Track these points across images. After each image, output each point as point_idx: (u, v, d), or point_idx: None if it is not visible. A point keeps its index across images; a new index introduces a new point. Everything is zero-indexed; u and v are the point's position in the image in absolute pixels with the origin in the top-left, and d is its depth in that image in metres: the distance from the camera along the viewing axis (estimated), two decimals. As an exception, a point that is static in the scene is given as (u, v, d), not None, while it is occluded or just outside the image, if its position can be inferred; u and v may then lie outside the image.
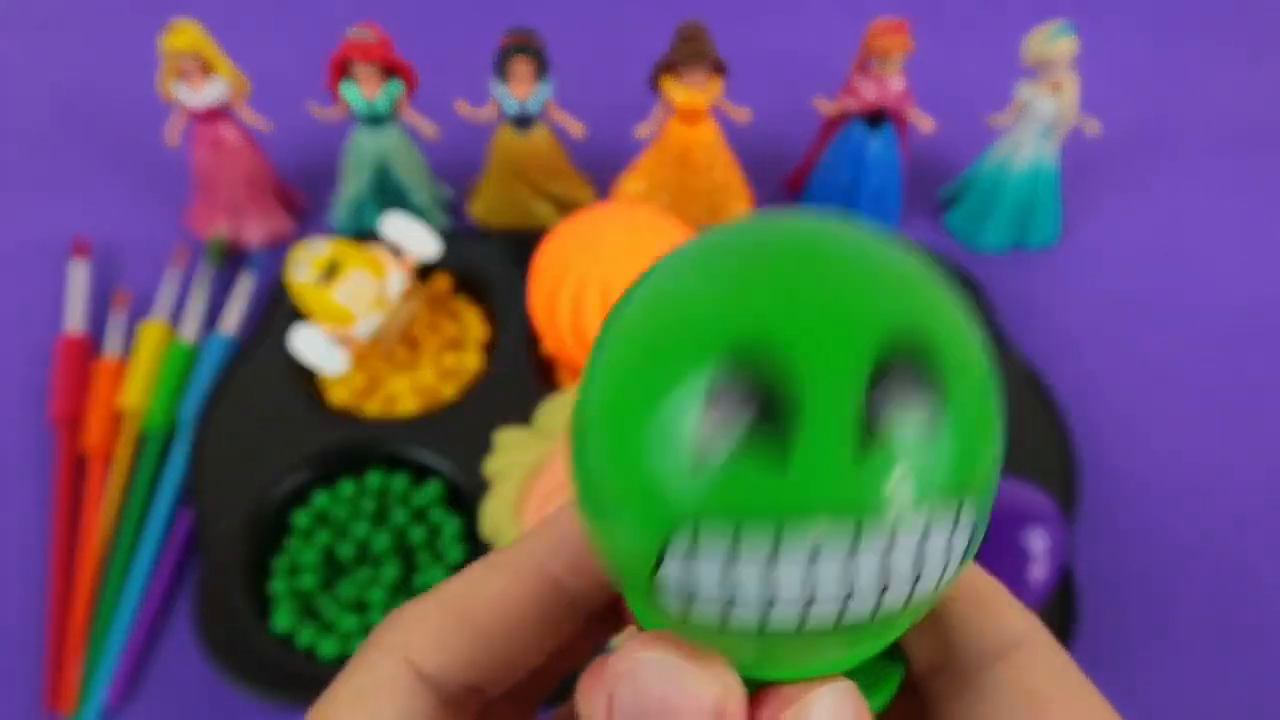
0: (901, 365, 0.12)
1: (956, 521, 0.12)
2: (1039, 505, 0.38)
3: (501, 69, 0.51)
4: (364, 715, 0.15)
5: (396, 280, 0.47)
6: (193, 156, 0.55)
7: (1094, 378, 0.52)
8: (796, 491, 0.11)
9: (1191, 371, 0.52)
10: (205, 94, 0.52)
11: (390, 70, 0.52)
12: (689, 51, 0.50)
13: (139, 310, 0.53)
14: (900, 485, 0.12)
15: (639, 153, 0.57)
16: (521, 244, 0.52)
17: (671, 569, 0.12)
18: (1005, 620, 0.15)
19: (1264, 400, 0.51)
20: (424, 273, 0.51)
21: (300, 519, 0.43)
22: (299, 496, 0.44)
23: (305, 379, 0.48)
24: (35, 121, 0.65)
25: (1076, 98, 0.52)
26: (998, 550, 0.37)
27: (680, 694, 0.13)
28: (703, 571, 0.12)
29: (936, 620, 0.16)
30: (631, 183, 0.56)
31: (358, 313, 0.46)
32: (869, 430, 0.11)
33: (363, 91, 0.52)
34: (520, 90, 0.51)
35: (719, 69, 0.52)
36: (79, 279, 0.53)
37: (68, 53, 0.70)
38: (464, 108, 0.54)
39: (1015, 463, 0.44)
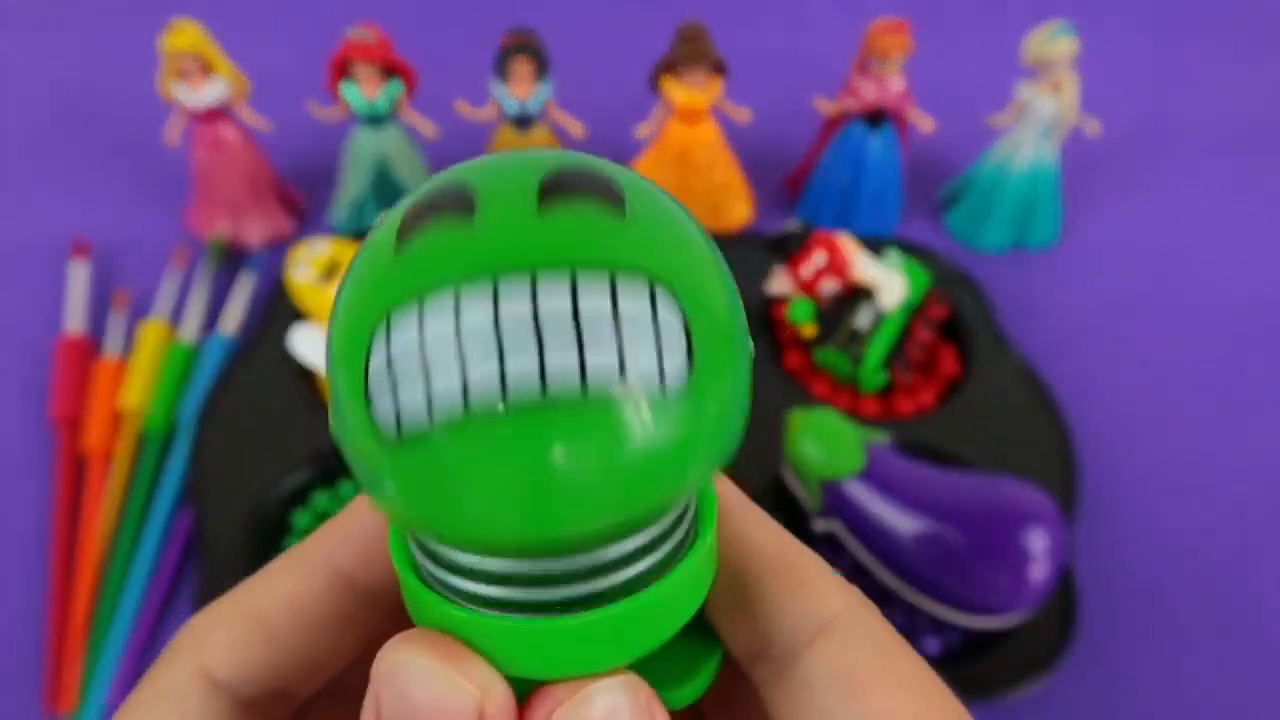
0: (574, 170, 0.13)
1: (653, 305, 0.12)
2: (1039, 505, 0.38)
3: (501, 69, 0.51)
4: None
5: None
6: (193, 156, 0.55)
7: (1094, 378, 0.52)
8: (472, 250, 0.12)
9: (1191, 371, 0.52)
10: (205, 94, 0.52)
11: (390, 70, 0.52)
12: (689, 51, 0.50)
13: (139, 310, 0.53)
14: (572, 236, 0.12)
15: (639, 153, 0.57)
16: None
17: (375, 359, 0.12)
18: (819, 596, 0.15)
19: (1263, 400, 0.51)
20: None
21: (300, 519, 0.43)
22: (299, 496, 0.44)
23: (305, 379, 0.48)
24: (35, 122, 0.65)
25: (1076, 98, 0.52)
26: (998, 550, 0.37)
27: (434, 695, 0.13)
28: (398, 345, 0.12)
29: (751, 603, 0.15)
30: (631, 183, 0.56)
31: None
32: (545, 198, 0.12)
33: (363, 91, 0.52)
34: (520, 90, 0.51)
35: (719, 69, 0.52)
36: (79, 279, 0.53)
37: (68, 53, 0.70)
38: (464, 108, 0.54)
39: (1015, 463, 0.44)
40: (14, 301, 0.54)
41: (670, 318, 0.12)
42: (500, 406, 0.11)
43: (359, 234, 0.53)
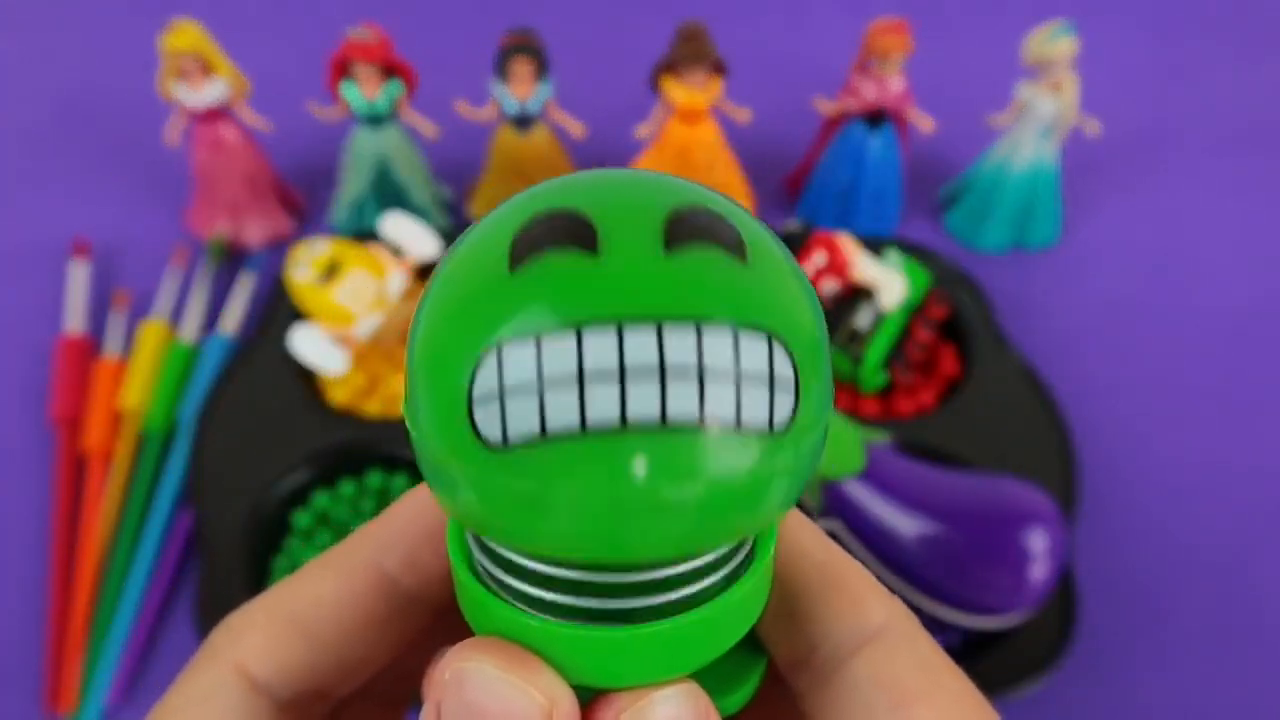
0: (698, 212, 0.13)
1: (770, 356, 0.12)
2: (1039, 505, 0.38)
3: (501, 69, 0.51)
4: None
5: (396, 280, 0.47)
6: (193, 156, 0.55)
7: (1093, 378, 0.52)
8: (599, 289, 0.12)
9: (1191, 371, 0.52)
10: (205, 94, 0.52)
11: (390, 70, 0.52)
12: (689, 51, 0.50)
13: (139, 310, 0.53)
14: (698, 287, 0.12)
15: (639, 153, 0.57)
16: (521, 244, 0.52)
17: (483, 375, 0.12)
18: (865, 609, 0.15)
19: (1263, 400, 0.51)
20: (424, 273, 0.51)
21: (300, 519, 0.43)
22: (299, 496, 0.44)
23: (305, 379, 0.48)
24: (35, 122, 0.65)
25: (1076, 98, 0.52)
26: (998, 550, 0.37)
27: (503, 705, 0.13)
28: (513, 370, 0.12)
29: (795, 612, 0.15)
30: (631, 183, 0.56)
31: (358, 313, 0.46)
32: (670, 242, 0.12)
33: (363, 91, 0.52)
34: (520, 90, 0.51)
35: (719, 69, 0.52)
36: (79, 279, 0.53)
37: (68, 53, 0.70)
38: (464, 108, 0.54)
39: (1015, 463, 0.44)
40: (14, 301, 0.54)
41: (785, 370, 0.12)
42: (613, 432, 0.12)
43: (359, 234, 0.53)
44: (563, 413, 0.12)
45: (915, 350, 0.48)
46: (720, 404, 0.12)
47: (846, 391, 0.48)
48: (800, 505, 0.42)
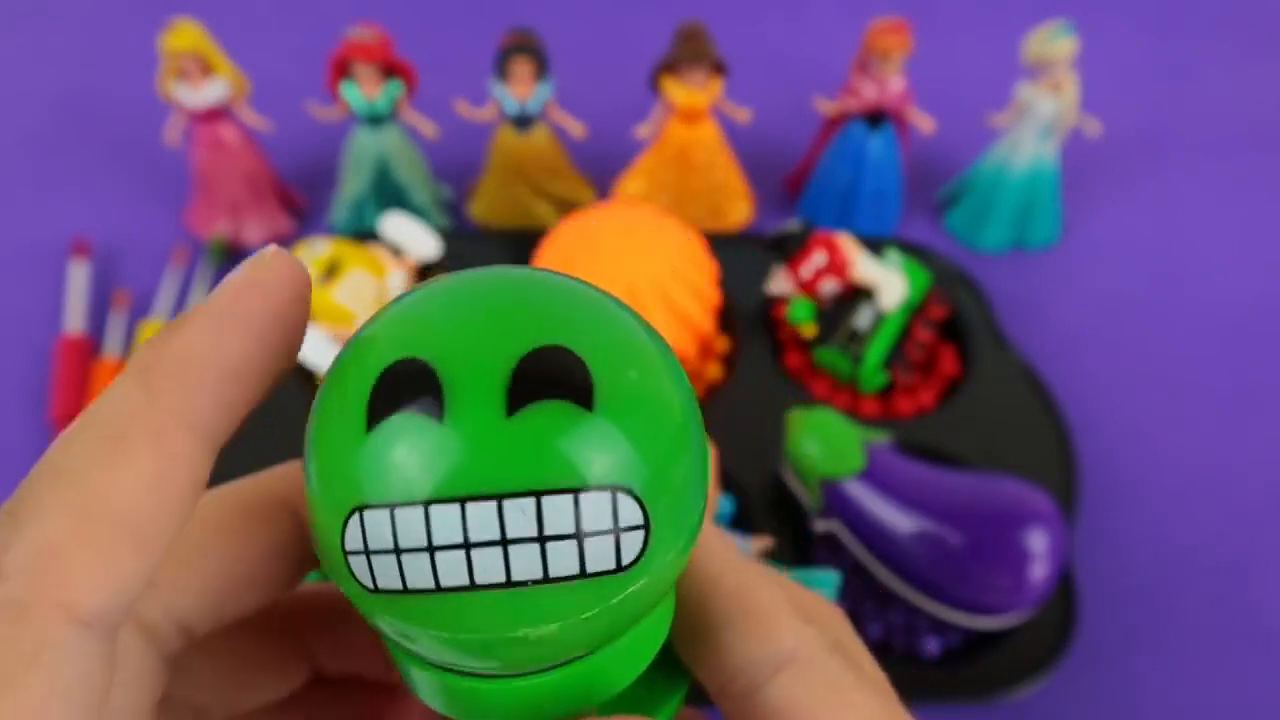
0: (547, 359, 0.13)
1: (614, 509, 0.13)
2: (1039, 505, 0.38)
3: (501, 69, 0.51)
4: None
5: (396, 280, 0.47)
6: (193, 156, 0.55)
7: (1094, 378, 0.52)
8: (442, 463, 0.13)
9: (1191, 371, 0.52)
10: (205, 94, 0.52)
11: (390, 70, 0.52)
12: (689, 51, 0.50)
13: (139, 310, 0.53)
14: (539, 457, 0.13)
15: (639, 153, 0.57)
16: (521, 244, 0.52)
17: (350, 534, 0.13)
18: (776, 635, 0.15)
19: (1264, 399, 0.51)
20: (424, 273, 0.51)
21: (300, 519, 0.43)
22: (299, 496, 0.44)
23: (305, 379, 0.48)
24: (35, 122, 0.65)
25: (1076, 98, 0.52)
26: (998, 550, 0.37)
27: None
28: (374, 538, 0.13)
29: (711, 640, 0.16)
30: (632, 183, 0.56)
31: (358, 312, 0.46)
32: (514, 403, 0.13)
33: (363, 91, 0.52)
34: (520, 90, 0.51)
35: (719, 69, 0.52)
36: (79, 279, 0.53)
37: (68, 53, 0.70)
38: (464, 108, 0.54)
39: (1015, 463, 0.44)
40: (14, 301, 0.54)
41: (631, 516, 0.13)
42: (464, 590, 0.13)
43: (359, 234, 0.53)
44: (419, 575, 0.13)
45: (915, 350, 0.48)
46: (562, 561, 0.13)
47: (846, 391, 0.48)
48: (800, 505, 0.42)
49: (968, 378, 0.48)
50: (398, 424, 0.13)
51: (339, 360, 0.15)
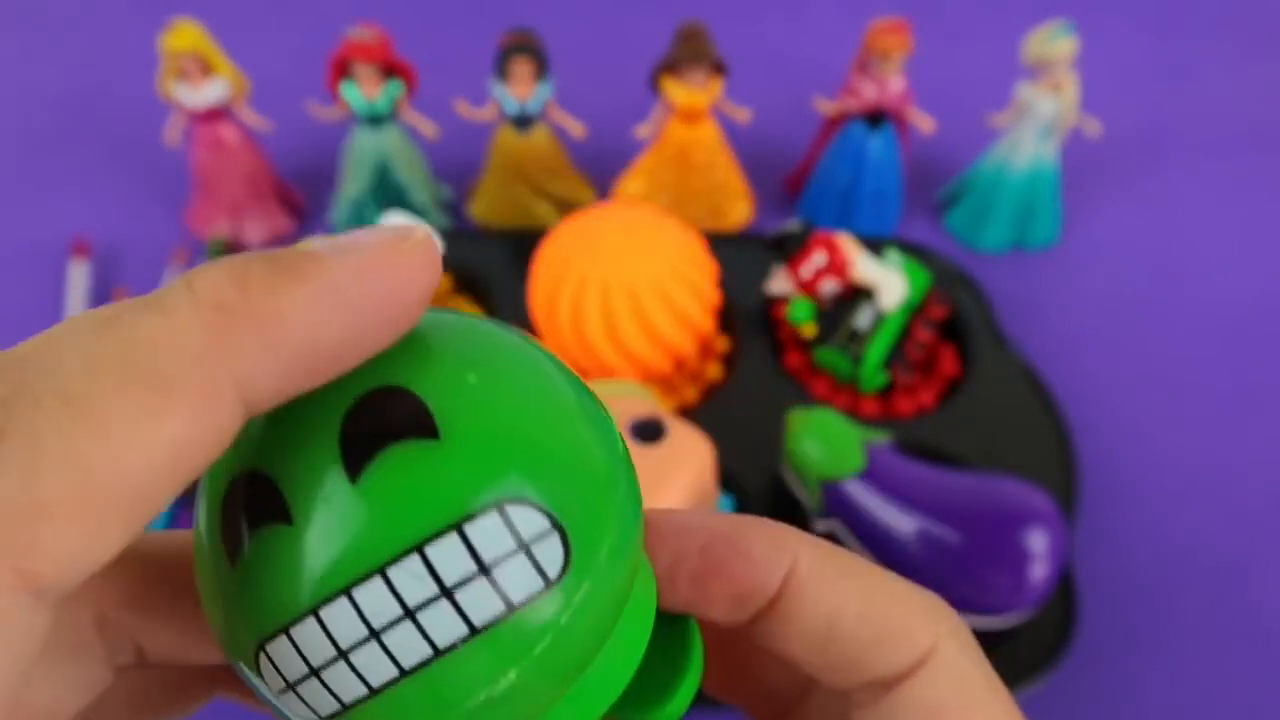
0: (371, 410, 0.12)
1: (508, 525, 0.12)
2: (1039, 505, 0.38)
3: (501, 69, 0.51)
4: None
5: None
6: (193, 156, 0.55)
7: (1094, 377, 0.52)
8: (310, 565, 0.12)
9: (1191, 371, 0.52)
10: (205, 94, 0.52)
11: (390, 70, 0.52)
12: (689, 51, 0.50)
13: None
14: (397, 519, 0.11)
15: (639, 153, 0.57)
16: (521, 244, 0.52)
17: (268, 676, 0.12)
18: (909, 639, 0.15)
19: (1264, 399, 0.51)
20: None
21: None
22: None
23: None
24: (36, 122, 0.65)
25: (1076, 98, 0.52)
26: (998, 550, 0.37)
27: None
28: (286, 669, 0.12)
29: (841, 662, 0.15)
30: (632, 183, 0.56)
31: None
32: (354, 468, 0.12)
33: (363, 91, 0.52)
34: (520, 90, 0.51)
35: (719, 69, 0.52)
36: (79, 279, 0.53)
37: (68, 53, 0.70)
38: (464, 108, 0.54)
39: (1015, 462, 0.44)
40: (14, 301, 0.54)
41: (531, 525, 0.12)
42: (406, 680, 0.12)
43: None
44: (347, 687, 0.12)
45: (915, 350, 0.48)
46: (482, 605, 0.11)
47: (846, 391, 0.48)
48: (800, 505, 0.42)
49: (967, 378, 0.48)
50: (254, 547, 0.12)
51: (197, 501, 0.13)
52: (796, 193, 0.60)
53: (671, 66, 0.51)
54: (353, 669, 0.12)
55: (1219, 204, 0.61)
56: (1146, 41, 0.72)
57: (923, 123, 0.55)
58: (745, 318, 0.50)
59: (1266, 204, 0.61)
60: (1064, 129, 0.53)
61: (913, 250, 0.53)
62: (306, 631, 0.12)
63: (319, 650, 0.12)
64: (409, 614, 0.11)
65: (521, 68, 0.51)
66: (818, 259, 0.48)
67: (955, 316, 0.50)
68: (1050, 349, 0.52)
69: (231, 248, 0.56)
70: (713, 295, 0.46)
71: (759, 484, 0.43)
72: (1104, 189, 0.62)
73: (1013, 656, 0.39)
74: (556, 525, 0.12)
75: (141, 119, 0.62)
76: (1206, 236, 0.59)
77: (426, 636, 0.11)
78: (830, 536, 0.41)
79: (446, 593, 0.11)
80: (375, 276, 0.11)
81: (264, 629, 0.12)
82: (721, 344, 0.50)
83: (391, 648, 0.11)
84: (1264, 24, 0.74)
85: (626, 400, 0.38)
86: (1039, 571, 0.36)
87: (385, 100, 0.52)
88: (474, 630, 0.11)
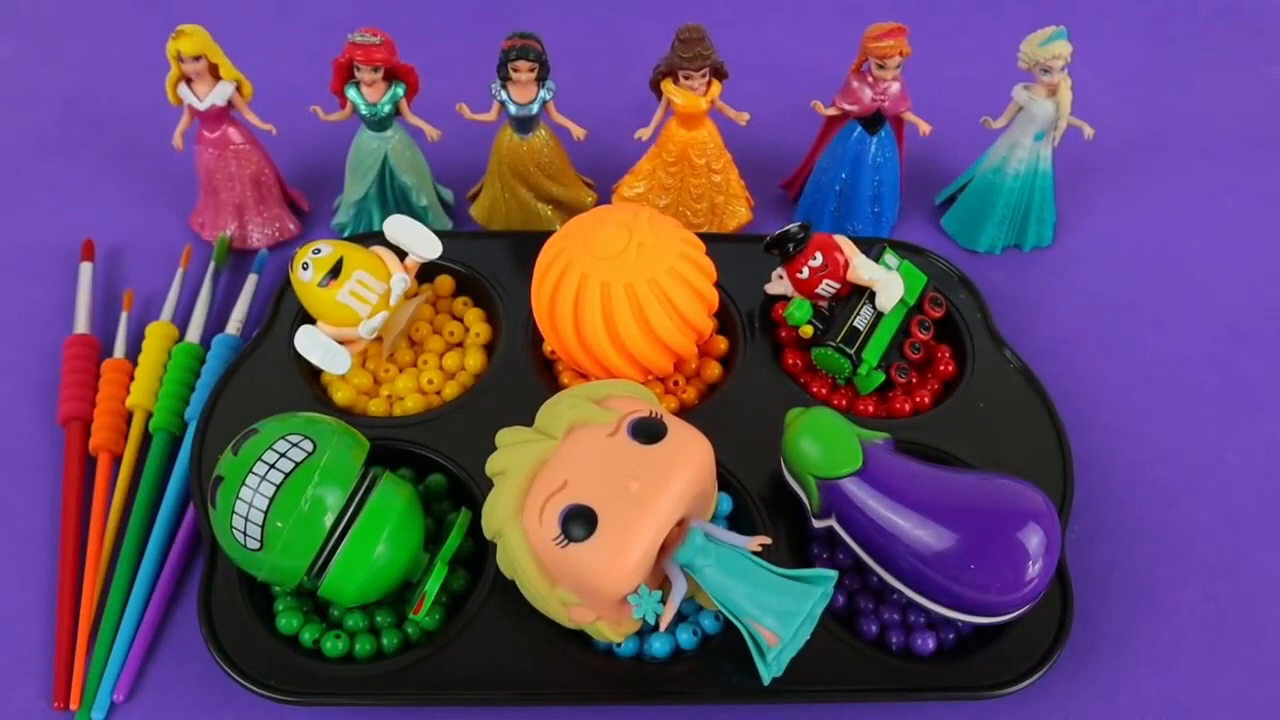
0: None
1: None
2: (1035, 503, 0.38)
3: (503, 72, 0.52)
4: None
5: (399, 281, 0.47)
6: (198, 159, 0.55)
7: (1088, 378, 0.52)
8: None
9: (1185, 371, 0.53)
10: (211, 97, 0.52)
11: (393, 73, 0.52)
12: (689, 55, 0.51)
13: (146, 311, 0.54)
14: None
15: (639, 155, 0.57)
16: (523, 245, 0.52)
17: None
18: None
19: (1257, 399, 0.52)
20: (426, 274, 0.52)
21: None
22: (304, 495, 0.45)
23: (309, 378, 0.48)
24: (44, 125, 0.65)
25: (1071, 101, 0.53)
26: (994, 548, 0.37)
27: None
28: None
29: None
30: (632, 185, 0.57)
31: (361, 313, 0.46)
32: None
33: (366, 95, 0.52)
34: (521, 93, 0.52)
35: (719, 72, 0.52)
36: (87, 281, 0.54)
37: (75, 57, 0.70)
38: (466, 110, 0.54)
39: (1011, 461, 0.45)
40: (24, 303, 0.55)
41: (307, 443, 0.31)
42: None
43: (362, 235, 0.54)
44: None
45: (912, 350, 0.49)
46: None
47: (845, 391, 0.48)
48: (799, 504, 0.42)
49: (964, 378, 0.48)
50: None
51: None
52: (795, 194, 0.60)
53: (671, 70, 0.52)
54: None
55: (1212, 206, 0.62)
56: (1141, 45, 0.72)
57: (920, 126, 0.55)
58: (745, 318, 0.51)
59: (1258, 206, 0.62)
60: (1059, 132, 0.54)
61: (910, 251, 0.53)
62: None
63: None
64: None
65: (523, 71, 0.51)
66: (816, 260, 0.48)
67: (952, 317, 0.51)
68: (1046, 349, 0.53)
69: (236, 249, 0.57)
70: (713, 295, 0.47)
71: (758, 484, 0.44)
72: (1099, 191, 0.62)
73: (1009, 654, 0.39)
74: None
75: (148, 122, 0.63)
76: (1199, 238, 0.60)
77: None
78: (829, 535, 0.41)
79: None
80: None
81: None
82: (721, 344, 0.50)
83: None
84: (1256, 29, 0.74)
85: (626, 400, 0.39)
86: (1035, 569, 0.37)
87: (388, 103, 0.52)
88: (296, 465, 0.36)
